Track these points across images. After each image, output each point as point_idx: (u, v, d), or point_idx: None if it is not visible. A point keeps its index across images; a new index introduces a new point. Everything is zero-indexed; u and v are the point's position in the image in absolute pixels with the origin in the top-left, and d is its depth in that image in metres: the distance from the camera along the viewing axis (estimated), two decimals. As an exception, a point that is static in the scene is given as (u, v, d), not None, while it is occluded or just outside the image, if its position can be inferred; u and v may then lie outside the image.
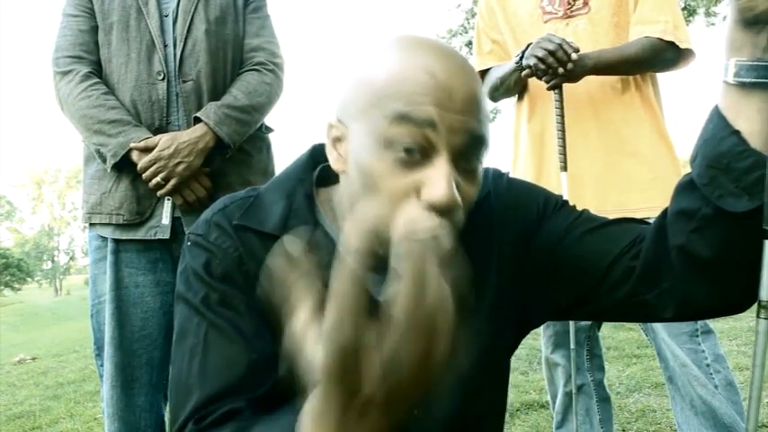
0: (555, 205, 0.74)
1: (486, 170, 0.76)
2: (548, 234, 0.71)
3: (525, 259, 0.71)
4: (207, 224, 0.66)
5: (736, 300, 0.61)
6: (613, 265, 0.67)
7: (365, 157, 0.58)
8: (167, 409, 1.31)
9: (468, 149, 0.57)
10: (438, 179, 0.54)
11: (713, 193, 0.56)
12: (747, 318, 4.03)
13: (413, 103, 0.55)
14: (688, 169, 0.61)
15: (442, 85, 0.56)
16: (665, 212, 0.63)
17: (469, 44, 10.79)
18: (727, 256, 0.58)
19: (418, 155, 0.55)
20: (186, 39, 1.32)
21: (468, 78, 0.58)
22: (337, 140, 0.64)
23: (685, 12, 8.79)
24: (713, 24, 9.15)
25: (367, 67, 0.61)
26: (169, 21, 1.33)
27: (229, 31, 1.39)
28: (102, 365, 1.30)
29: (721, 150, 0.55)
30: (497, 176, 0.76)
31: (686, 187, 0.60)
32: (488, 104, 0.61)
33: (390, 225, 0.56)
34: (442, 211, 0.54)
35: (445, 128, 0.55)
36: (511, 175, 0.79)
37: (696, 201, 0.58)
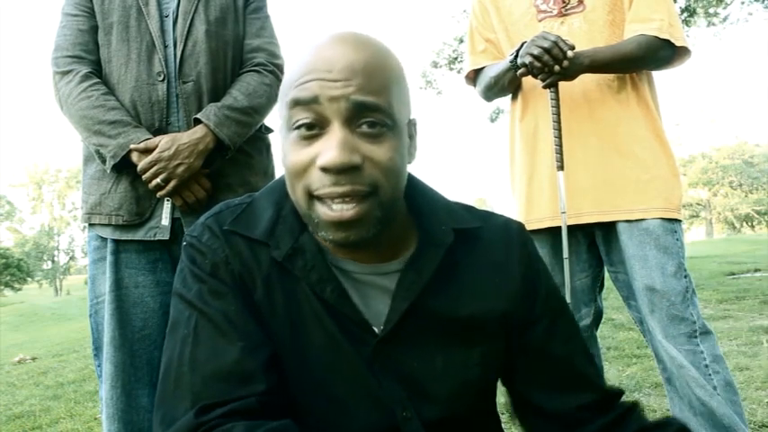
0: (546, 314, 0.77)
1: (511, 222, 0.80)
2: (523, 330, 0.76)
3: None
4: (201, 227, 0.71)
5: None
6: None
7: (281, 144, 0.65)
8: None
9: (356, 114, 0.61)
10: (328, 145, 0.60)
11: None
12: (747, 318, 4.03)
13: (299, 84, 0.62)
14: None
15: (323, 61, 0.61)
16: None
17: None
18: None
19: (317, 129, 0.62)
20: (186, 39, 1.32)
21: (354, 51, 0.61)
22: None
23: (685, 12, 8.77)
24: (713, 25, 9.14)
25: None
26: (169, 21, 1.33)
27: (229, 32, 1.39)
28: (100, 365, 1.30)
29: None
30: (524, 237, 0.79)
31: None
32: (383, 74, 0.63)
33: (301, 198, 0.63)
34: (338, 170, 0.59)
35: (327, 98, 0.60)
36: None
37: None
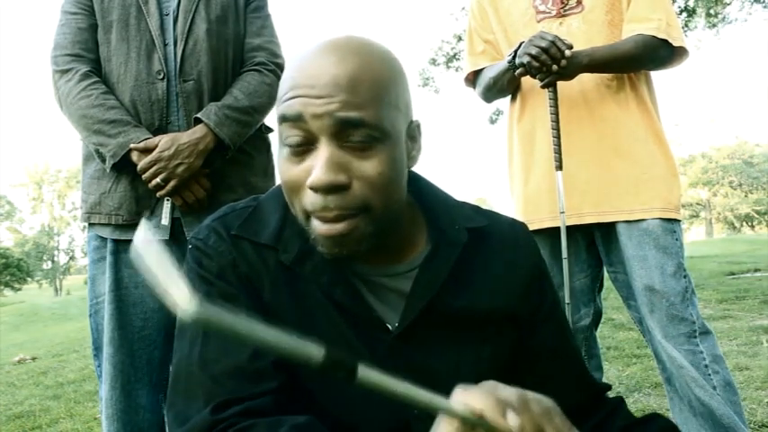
0: (548, 313, 0.78)
1: (517, 222, 0.82)
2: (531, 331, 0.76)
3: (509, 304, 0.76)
4: (207, 230, 0.71)
5: None
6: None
7: (277, 157, 0.65)
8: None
9: (341, 130, 0.59)
10: (315, 164, 0.59)
11: None
12: (747, 318, 4.03)
13: (284, 99, 0.61)
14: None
15: (307, 76, 0.60)
16: None
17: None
18: None
19: (306, 145, 0.61)
20: (187, 38, 1.32)
21: (338, 64, 0.59)
22: None
23: (685, 12, 8.77)
24: (713, 25, 9.14)
25: None
26: (169, 20, 1.33)
27: (230, 31, 1.39)
28: (99, 365, 1.30)
29: None
30: (530, 237, 0.80)
31: None
32: (370, 85, 0.60)
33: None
34: (326, 190, 0.59)
35: (310, 116, 0.59)
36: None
37: None
